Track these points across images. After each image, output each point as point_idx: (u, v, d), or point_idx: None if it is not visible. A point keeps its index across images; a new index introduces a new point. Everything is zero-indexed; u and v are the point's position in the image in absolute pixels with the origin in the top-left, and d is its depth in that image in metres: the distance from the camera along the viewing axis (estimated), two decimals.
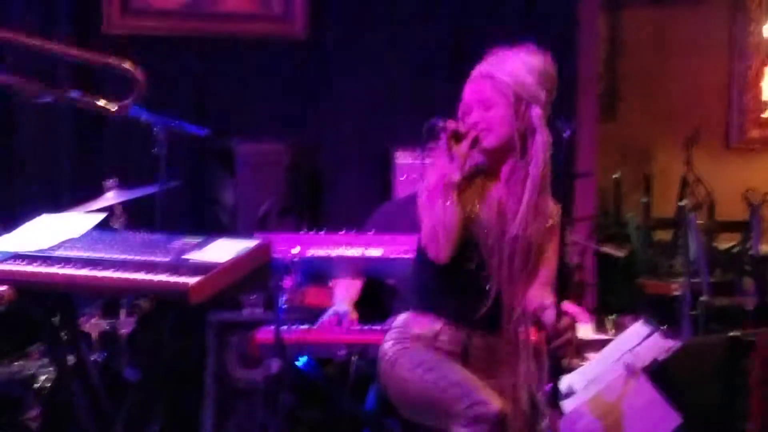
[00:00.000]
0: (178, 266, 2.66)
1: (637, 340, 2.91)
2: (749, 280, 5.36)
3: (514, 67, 2.67)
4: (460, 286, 2.71)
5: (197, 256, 2.74)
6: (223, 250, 2.76)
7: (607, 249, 3.99)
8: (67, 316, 3.11)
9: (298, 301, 3.88)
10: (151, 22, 4.44)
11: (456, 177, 2.63)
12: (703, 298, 4.75)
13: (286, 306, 3.50)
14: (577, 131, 5.11)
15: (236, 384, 4.09)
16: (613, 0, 6.11)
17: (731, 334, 2.98)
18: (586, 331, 3.75)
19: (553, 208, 2.74)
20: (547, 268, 2.71)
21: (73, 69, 3.96)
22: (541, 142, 2.67)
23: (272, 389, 3.93)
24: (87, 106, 2.43)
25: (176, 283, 2.59)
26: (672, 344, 2.81)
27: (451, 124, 2.63)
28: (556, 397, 2.58)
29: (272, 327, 3.39)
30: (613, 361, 2.93)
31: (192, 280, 2.58)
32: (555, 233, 2.73)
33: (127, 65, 1.77)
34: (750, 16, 6.30)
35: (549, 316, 2.62)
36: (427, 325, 2.74)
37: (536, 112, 2.67)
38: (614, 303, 5.31)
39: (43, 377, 3.39)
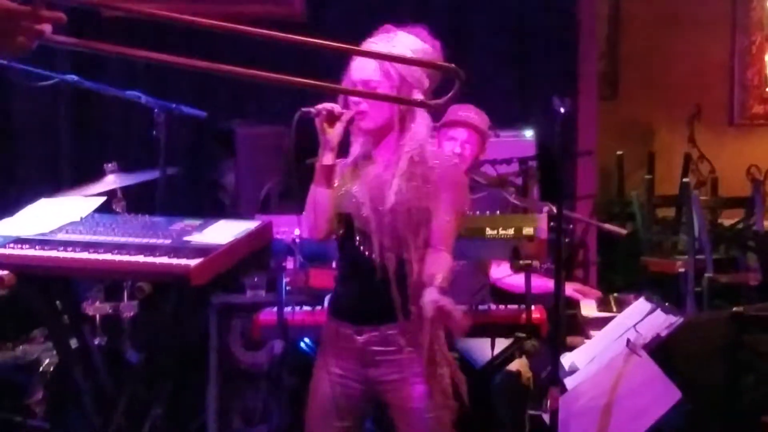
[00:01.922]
0: (179, 248, 2.67)
1: (639, 317, 2.90)
2: (753, 256, 5.34)
3: (403, 50, 2.62)
4: (353, 270, 2.71)
5: (198, 238, 2.74)
6: (223, 232, 2.76)
7: (610, 227, 3.98)
8: (69, 300, 3.12)
9: (301, 283, 3.86)
10: (149, 6, 4.40)
11: (328, 161, 2.67)
12: (706, 275, 4.72)
13: (289, 288, 3.49)
14: (577, 110, 5.11)
15: (239, 366, 4.10)
16: None
17: (734, 309, 2.97)
18: (589, 309, 3.75)
19: (436, 171, 2.68)
20: (437, 230, 2.65)
21: (72, 53, 3.93)
22: (421, 125, 2.68)
23: (275, 371, 3.94)
24: None
25: (177, 266, 2.59)
26: (674, 320, 2.81)
27: (324, 109, 2.63)
28: (557, 374, 2.58)
29: (275, 309, 3.40)
30: (615, 338, 2.93)
31: (193, 262, 2.58)
32: (443, 192, 2.67)
33: (451, 66, 1.78)
34: None
35: (427, 296, 2.55)
36: (331, 327, 2.77)
37: (418, 95, 2.66)
38: (617, 281, 5.31)
39: (46, 361, 3.40)
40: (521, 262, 3.26)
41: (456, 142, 3.79)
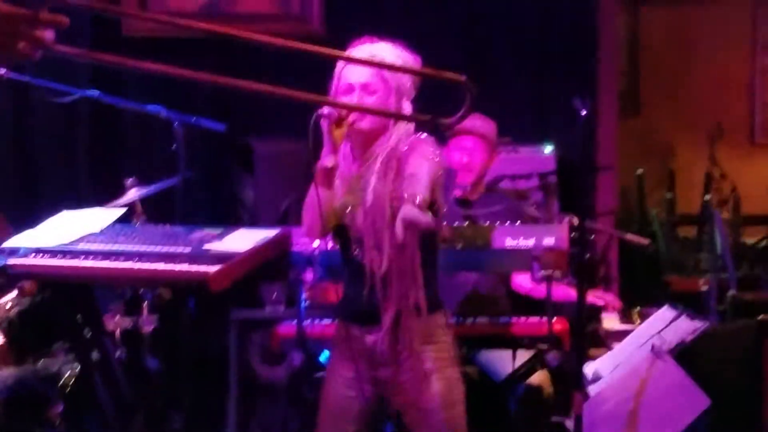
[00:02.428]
0: (199, 256, 2.67)
1: (664, 324, 2.88)
2: None
3: (393, 60, 2.66)
4: (355, 273, 2.72)
5: (217, 246, 2.74)
6: (242, 240, 2.77)
7: (632, 237, 3.95)
8: (90, 312, 3.13)
9: (319, 298, 3.87)
10: (169, 24, 4.45)
11: (331, 162, 2.69)
12: (730, 293, 4.67)
13: (307, 303, 3.49)
14: (598, 126, 5.10)
15: (259, 381, 4.09)
16: None
17: (759, 317, 2.94)
18: (612, 322, 3.72)
19: (406, 152, 2.68)
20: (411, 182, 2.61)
21: (92, 68, 3.98)
22: (403, 130, 2.70)
23: (294, 384, 3.93)
24: None
25: (197, 272, 2.59)
26: (699, 325, 2.78)
27: (337, 112, 2.64)
28: (580, 380, 2.55)
29: (294, 321, 3.40)
30: (639, 345, 2.90)
31: (212, 269, 2.59)
32: (413, 154, 2.66)
33: (461, 78, 1.78)
34: None
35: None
36: (340, 330, 2.80)
37: (407, 106, 2.70)
38: (639, 300, 5.27)
39: (66, 374, 3.40)
40: (542, 272, 3.24)
41: (464, 152, 3.79)
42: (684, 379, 2.59)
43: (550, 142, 4.59)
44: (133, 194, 3.57)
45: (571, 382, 2.66)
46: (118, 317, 3.60)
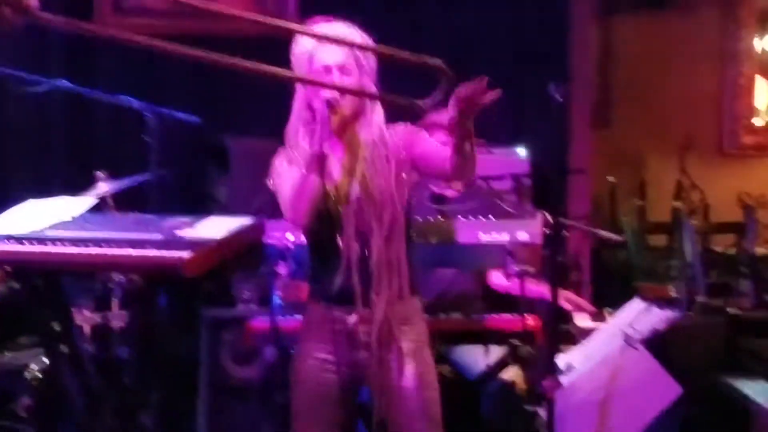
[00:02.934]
0: (171, 242, 2.65)
1: (635, 315, 2.88)
2: (745, 282, 5.33)
3: (363, 39, 2.67)
4: (326, 260, 2.72)
5: (190, 232, 2.72)
6: (215, 227, 2.75)
7: (604, 233, 3.97)
8: (58, 305, 3.09)
9: (291, 297, 3.84)
10: (143, 21, 4.44)
11: (325, 149, 2.64)
12: (699, 299, 4.70)
13: (280, 302, 3.47)
14: (571, 135, 5.14)
15: (230, 381, 4.05)
16: (605, 7, 6.13)
17: (730, 311, 2.95)
18: (583, 320, 3.72)
19: (393, 141, 2.72)
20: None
21: (64, 57, 3.95)
22: (378, 108, 2.72)
23: (267, 381, 3.90)
24: None
25: (170, 258, 2.57)
26: (671, 314, 2.78)
27: (333, 96, 2.62)
28: (553, 364, 2.55)
29: (267, 317, 3.37)
30: (610, 336, 2.90)
31: (186, 254, 2.56)
32: (417, 134, 2.76)
33: (438, 62, 1.76)
34: (741, 23, 6.30)
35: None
36: (316, 312, 2.77)
37: (373, 88, 2.71)
38: (610, 306, 5.29)
39: (33, 367, 3.34)
40: (516, 267, 3.24)
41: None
42: (656, 367, 2.59)
43: (524, 144, 4.61)
44: (103, 188, 3.53)
45: (543, 369, 2.65)
46: (87, 312, 3.55)
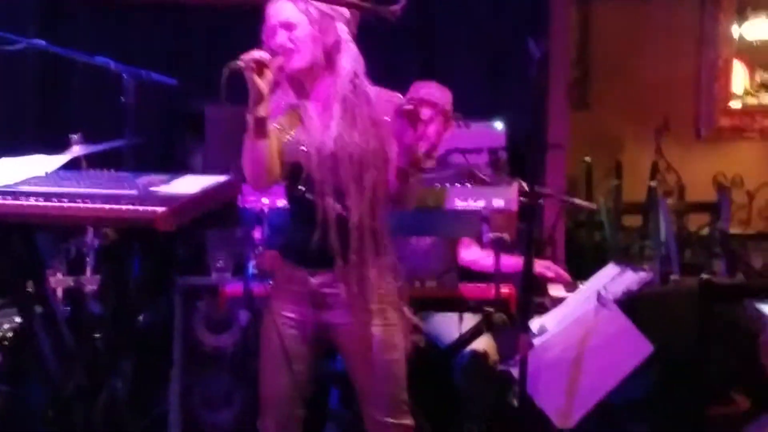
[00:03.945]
0: (145, 198, 2.63)
1: (609, 279, 2.89)
2: (719, 262, 5.37)
3: None
4: (303, 215, 2.68)
5: (164, 189, 2.71)
6: (190, 184, 2.74)
7: (579, 201, 3.98)
8: (32, 265, 3.06)
9: (267, 266, 3.83)
10: None
11: (262, 112, 2.57)
12: (673, 277, 4.73)
13: (254, 271, 3.45)
14: (547, 119, 5.15)
15: (203, 350, 4.04)
16: None
17: (704, 276, 2.97)
18: (558, 290, 3.73)
19: (378, 110, 2.67)
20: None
21: (41, 19, 3.92)
22: (348, 56, 2.66)
23: (240, 348, 3.89)
24: None
25: (144, 212, 2.55)
26: (644, 276, 2.80)
27: (251, 59, 2.53)
28: (526, 321, 2.55)
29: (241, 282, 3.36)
30: (584, 299, 2.91)
31: (159, 209, 2.55)
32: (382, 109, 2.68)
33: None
34: (720, 6, 6.34)
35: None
36: (285, 271, 2.76)
37: (341, 27, 2.65)
38: None
39: (5, 326, 3.32)
40: (491, 234, 3.24)
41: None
42: (628, 326, 2.61)
43: (501, 118, 4.62)
44: (77, 151, 3.50)
45: (516, 326, 2.65)
46: (59, 275, 3.53)
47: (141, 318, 3.70)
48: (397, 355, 2.71)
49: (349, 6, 2.64)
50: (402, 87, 2.71)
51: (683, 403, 2.80)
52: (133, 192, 2.67)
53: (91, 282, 3.56)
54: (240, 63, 2.53)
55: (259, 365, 2.80)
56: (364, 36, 2.75)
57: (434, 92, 3.82)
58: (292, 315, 2.73)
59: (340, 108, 2.64)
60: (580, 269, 5.33)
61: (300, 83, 2.70)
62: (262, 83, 2.54)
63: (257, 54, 2.56)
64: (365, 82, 2.69)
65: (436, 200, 3.25)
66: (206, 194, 2.69)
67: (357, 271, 2.65)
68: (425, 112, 3.79)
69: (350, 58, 2.66)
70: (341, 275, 2.66)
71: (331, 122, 2.64)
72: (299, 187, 2.68)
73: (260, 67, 2.54)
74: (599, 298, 2.74)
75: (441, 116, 3.82)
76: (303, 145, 2.66)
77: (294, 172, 2.69)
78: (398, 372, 2.72)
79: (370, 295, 2.67)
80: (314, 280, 2.70)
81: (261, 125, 2.58)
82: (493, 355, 3.62)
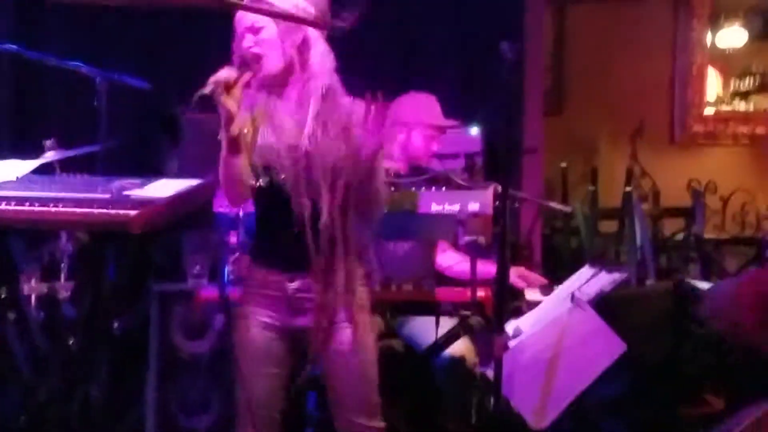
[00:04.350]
0: (118, 201, 2.62)
1: (584, 281, 2.91)
2: (694, 266, 5.41)
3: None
4: (279, 218, 2.67)
5: (138, 192, 2.69)
6: (164, 188, 2.72)
7: (554, 204, 4.00)
8: (6, 270, 3.05)
9: (243, 272, 3.82)
10: None
11: (234, 131, 2.56)
12: (649, 282, 4.74)
13: (231, 276, 3.45)
14: (523, 124, 5.17)
15: (180, 356, 4.03)
16: None
17: (679, 277, 2.98)
18: (533, 294, 3.74)
19: (349, 115, 2.68)
20: None
21: (14, 23, 3.89)
22: (319, 53, 2.66)
23: (216, 353, 3.88)
24: None
25: (116, 215, 2.54)
26: (617, 276, 2.81)
27: (216, 82, 2.53)
28: (501, 322, 2.56)
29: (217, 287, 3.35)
30: (559, 301, 2.92)
31: (132, 212, 2.53)
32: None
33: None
34: (693, 12, 6.40)
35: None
36: (258, 275, 2.74)
37: (313, 33, 2.66)
38: None
39: None
40: (467, 238, 3.24)
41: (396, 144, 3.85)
42: (601, 326, 2.62)
43: (477, 124, 4.63)
44: (51, 156, 3.48)
45: (492, 327, 2.65)
46: (33, 281, 3.50)
47: (117, 324, 3.66)
48: (369, 357, 2.72)
49: (297, 21, 2.63)
50: (377, 93, 2.69)
51: (657, 403, 2.82)
52: (106, 195, 2.65)
53: (65, 288, 3.52)
54: (208, 90, 2.53)
55: (235, 370, 2.79)
56: (339, 42, 2.75)
57: (407, 109, 3.87)
58: (267, 320, 2.72)
59: (313, 107, 2.63)
60: (556, 275, 5.38)
61: (270, 84, 2.69)
62: (231, 103, 2.54)
63: (224, 75, 2.56)
64: (336, 81, 2.69)
65: (411, 204, 3.25)
66: (180, 197, 2.68)
67: (328, 272, 2.65)
68: (399, 133, 3.83)
69: (320, 54, 2.66)
70: (314, 276, 2.65)
71: (305, 122, 2.63)
72: (276, 189, 2.66)
73: (228, 87, 2.55)
74: (573, 299, 2.75)
75: (426, 128, 3.86)
76: (274, 145, 2.66)
77: (266, 173, 2.68)
78: (370, 374, 2.72)
79: (341, 296, 2.67)
80: (292, 285, 2.69)
81: (234, 144, 2.59)
82: (472, 357, 3.62)
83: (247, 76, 2.59)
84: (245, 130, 2.62)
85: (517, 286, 3.88)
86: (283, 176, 2.65)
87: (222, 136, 2.60)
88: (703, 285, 2.96)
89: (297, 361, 2.82)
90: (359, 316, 2.70)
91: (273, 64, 2.64)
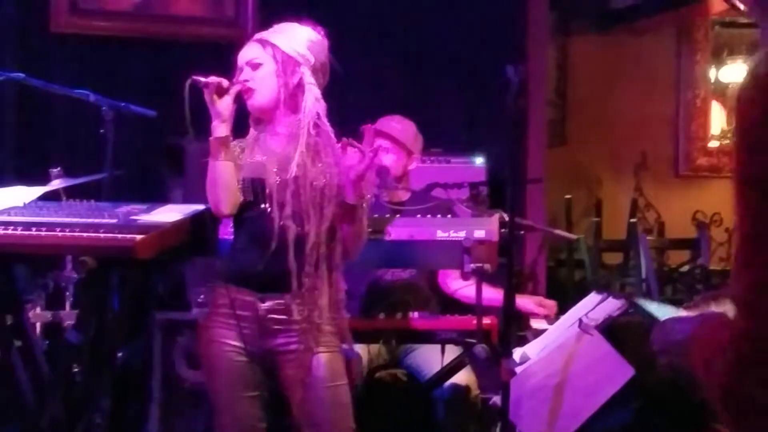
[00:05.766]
0: (125, 226, 2.62)
1: (591, 308, 2.89)
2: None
3: (284, 32, 2.79)
4: (257, 237, 2.70)
5: (144, 217, 2.70)
6: (170, 213, 2.73)
7: (560, 232, 3.99)
8: (11, 298, 3.04)
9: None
10: (100, 23, 4.42)
11: (222, 132, 2.69)
12: None
13: None
14: (526, 156, 5.18)
15: (183, 386, 4.00)
16: (562, 28, 6.22)
17: (685, 305, 2.96)
18: (540, 323, 3.72)
19: (334, 152, 2.74)
20: None
21: (20, 52, 3.91)
22: (311, 99, 2.74)
23: None
24: None
25: (122, 239, 2.54)
26: (625, 303, 2.80)
27: (212, 81, 2.68)
28: (508, 347, 2.54)
29: None
30: (566, 327, 2.91)
31: (138, 236, 2.54)
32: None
33: None
34: (696, 46, 6.44)
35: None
36: (223, 296, 2.75)
37: (305, 71, 2.75)
38: None
39: None
40: (472, 265, 3.23)
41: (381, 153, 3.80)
42: (609, 351, 2.60)
43: (482, 154, 4.65)
44: (57, 184, 3.48)
45: (499, 352, 2.64)
46: (38, 310, 3.49)
47: (120, 354, 3.65)
48: (343, 381, 2.73)
49: None
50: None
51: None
52: (113, 220, 2.65)
53: (69, 317, 3.52)
54: (201, 80, 2.67)
55: (212, 397, 2.78)
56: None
57: (393, 124, 3.85)
58: (238, 343, 2.71)
59: (304, 141, 2.70)
60: (561, 307, 5.36)
61: (259, 119, 2.80)
62: (222, 105, 2.68)
63: (217, 78, 2.69)
64: (327, 124, 2.77)
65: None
66: (186, 222, 2.68)
67: (310, 295, 2.66)
68: (381, 143, 3.82)
69: (312, 100, 2.74)
70: (294, 298, 2.65)
71: (294, 153, 2.69)
72: (263, 206, 2.70)
73: (220, 90, 2.69)
74: (581, 324, 2.74)
75: (399, 149, 3.84)
76: (264, 166, 2.72)
77: (253, 189, 2.72)
78: (345, 399, 2.73)
79: (320, 320, 2.68)
80: (264, 306, 2.69)
81: (222, 145, 2.69)
82: (474, 389, 3.59)
83: (236, 87, 2.71)
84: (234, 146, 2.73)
85: (537, 314, 3.82)
86: (268, 191, 2.69)
87: (210, 140, 2.72)
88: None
89: (272, 382, 2.79)
90: (334, 342, 2.73)
91: (263, 97, 2.75)
